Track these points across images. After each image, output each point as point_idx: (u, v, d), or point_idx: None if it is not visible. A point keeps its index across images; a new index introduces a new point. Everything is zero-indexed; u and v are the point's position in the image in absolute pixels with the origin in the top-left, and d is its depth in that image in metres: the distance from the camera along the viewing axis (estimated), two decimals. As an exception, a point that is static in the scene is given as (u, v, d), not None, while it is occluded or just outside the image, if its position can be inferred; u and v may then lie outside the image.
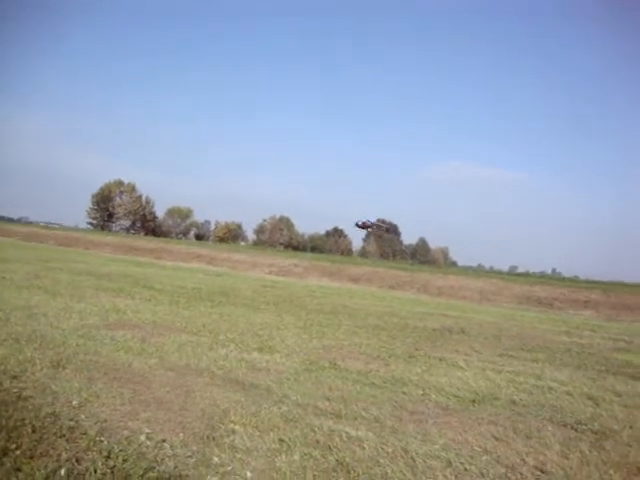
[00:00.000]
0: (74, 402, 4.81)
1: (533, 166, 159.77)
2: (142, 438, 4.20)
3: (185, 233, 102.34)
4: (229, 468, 3.89)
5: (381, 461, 4.29)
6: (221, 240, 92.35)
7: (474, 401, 6.39)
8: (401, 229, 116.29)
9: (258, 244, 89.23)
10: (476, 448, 4.79)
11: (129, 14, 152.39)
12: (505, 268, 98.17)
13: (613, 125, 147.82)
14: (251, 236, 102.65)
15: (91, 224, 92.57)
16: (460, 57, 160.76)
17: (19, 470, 3.44)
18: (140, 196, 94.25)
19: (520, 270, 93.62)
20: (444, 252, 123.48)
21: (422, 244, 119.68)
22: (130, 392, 5.31)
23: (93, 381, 5.53)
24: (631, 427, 5.75)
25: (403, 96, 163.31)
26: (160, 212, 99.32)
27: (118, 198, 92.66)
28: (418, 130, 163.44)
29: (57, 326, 8.38)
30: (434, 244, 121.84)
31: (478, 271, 64.96)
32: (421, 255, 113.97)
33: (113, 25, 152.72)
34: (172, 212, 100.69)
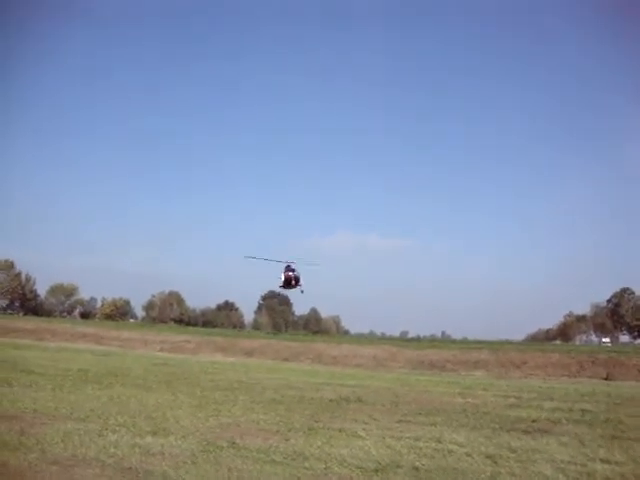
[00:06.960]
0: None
1: (416, 232, 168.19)
2: None
3: (70, 311, 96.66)
4: None
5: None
6: (108, 317, 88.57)
7: (377, 470, 6.44)
8: (292, 300, 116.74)
9: (148, 320, 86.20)
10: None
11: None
12: (396, 334, 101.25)
13: (485, 190, 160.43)
14: (140, 313, 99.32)
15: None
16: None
17: None
18: (19, 274, 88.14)
19: (411, 334, 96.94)
20: (336, 321, 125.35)
21: (314, 314, 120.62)
22: (7, 493, 4.83)
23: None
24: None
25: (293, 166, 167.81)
26: (42, 290, 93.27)
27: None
28: (303, 199, 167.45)
29: None
30: (326, 313, 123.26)
31: (371, 338, 66.32)
32: (313, 325, 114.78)
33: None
34: (55, 290, 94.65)
